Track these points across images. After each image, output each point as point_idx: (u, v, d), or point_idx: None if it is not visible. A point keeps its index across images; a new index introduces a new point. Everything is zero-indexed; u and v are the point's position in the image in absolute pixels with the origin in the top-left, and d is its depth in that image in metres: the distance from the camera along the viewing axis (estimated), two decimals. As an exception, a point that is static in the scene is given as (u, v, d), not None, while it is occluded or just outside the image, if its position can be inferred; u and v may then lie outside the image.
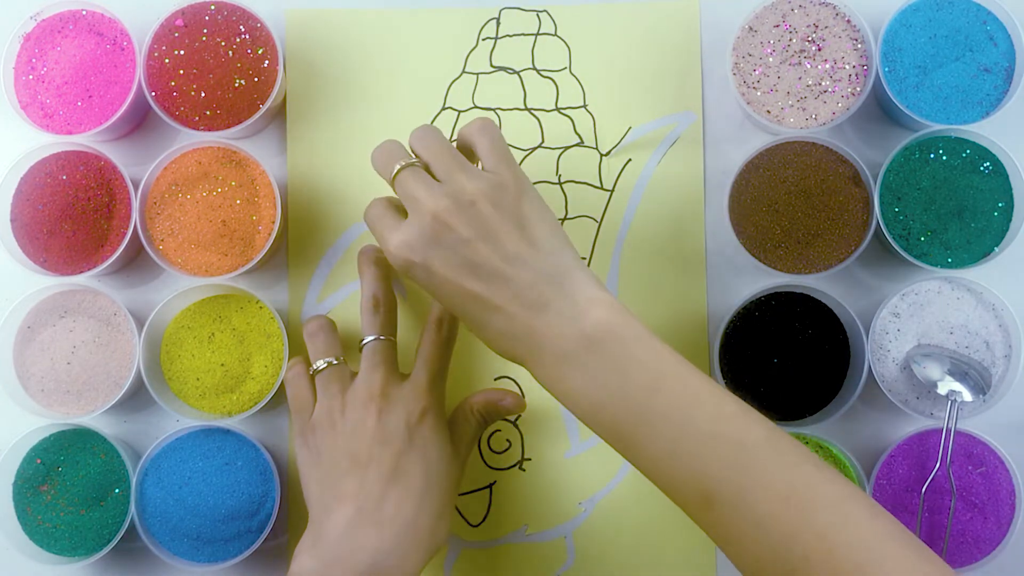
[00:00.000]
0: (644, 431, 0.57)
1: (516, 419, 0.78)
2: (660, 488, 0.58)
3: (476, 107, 0.79)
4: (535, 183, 0.78)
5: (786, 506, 0.53)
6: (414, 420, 0.68)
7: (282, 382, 0.73)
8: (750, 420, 0.57)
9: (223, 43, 0.76)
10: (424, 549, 0.65)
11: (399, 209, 0.65)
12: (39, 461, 0.76)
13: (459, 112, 0.79)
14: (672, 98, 0.79)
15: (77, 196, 0.75)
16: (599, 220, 0.78)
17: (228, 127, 0.75)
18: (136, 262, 0.80)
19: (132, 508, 0.75)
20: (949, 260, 0.74)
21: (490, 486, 0.78)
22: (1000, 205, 0.74)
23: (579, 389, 0.59)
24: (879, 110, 0.78)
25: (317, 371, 0.71)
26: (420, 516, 0.65)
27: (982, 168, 0.74)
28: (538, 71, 0.79)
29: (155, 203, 0.76)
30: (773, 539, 0.53)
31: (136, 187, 0.75)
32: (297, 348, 0.75)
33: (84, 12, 0.77)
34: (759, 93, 0.75)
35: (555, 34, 0.79)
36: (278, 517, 0.75)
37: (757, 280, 0.77)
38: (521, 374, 0.78)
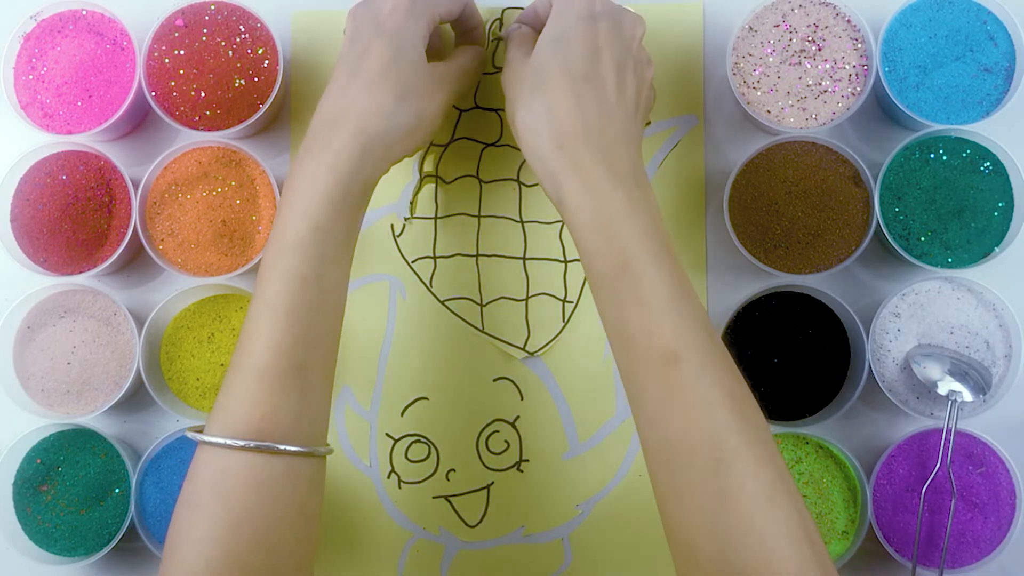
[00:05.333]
0: (637, 273, 0.58)
1: (515, 420, 0.78)
2: (620, 336, 0.59)
3: (478, 107, 0.79)
4: (536, 184, 0.78)
5: (731, 400, 0.56)
6: (382, 16, 0.66)
7: None
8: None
9: (223, 43, 0.76)
10: (377, 114, 0.63)
11: None
12: (39, 461, 0.76)
13: (461, 111, 0.79)
14: (674, 101, 0.79)
15: (77, 196, 0.76)
16: (599, 220, 0.78)
17: (228, 127, 0.75)
18: (136, 262, 0.80)
19: (132, 508, 0.75)
20: (949, 260, 0.73)
21: (488, 487, 0.78)
22: (1000, 205, 0.74)
23: (617, 203, 0.59)
24: (879, 110, 0.78)
25: None
26: (381, 84, 0.63)
27: (982, 168, 0.74)
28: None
29: (155, 203, 0.76)
30: (715, 422, 0.55)
31: (136, 187, 0.76)
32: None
33: (84, 12, 0.77)
34: (759, 93, 0.75)
35: (556, 34, 0.79)
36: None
37: (757, 280, 0.76)
38: (520, 376, 0.78)
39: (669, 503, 0.56)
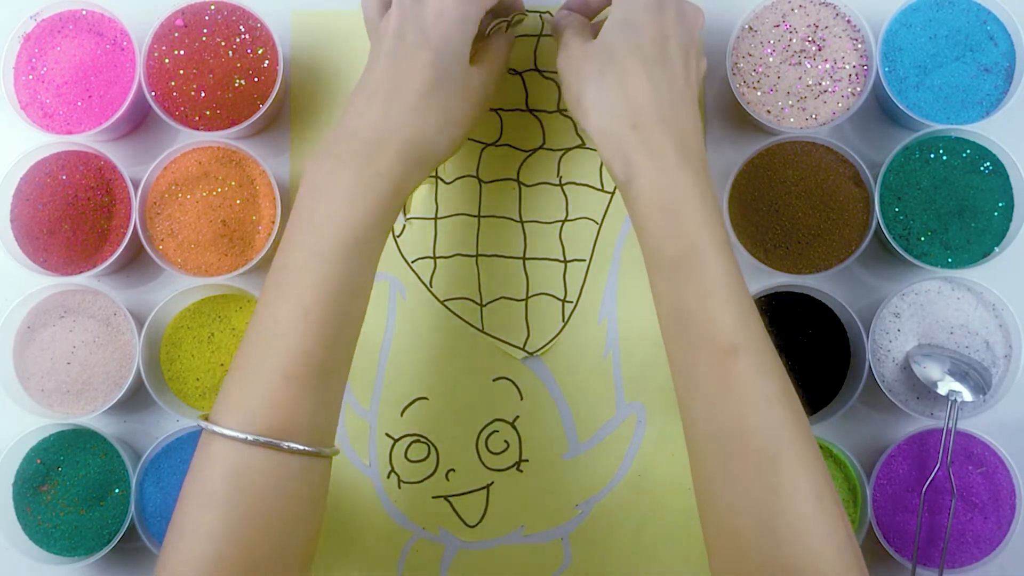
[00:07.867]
0: (702, 260, 0.58)
1: (515, 420, 0.78)
2: (678, 322, 0.59)
3: (476, 107, 0.79)
4: (536, 184, 0.78)
5: (786, 395, 0.57)
6: (428, 21, 0.64)
7: None
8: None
9: (223, 43, 0.76)
10: (419, 142, 0.63)
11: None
12: (39, 461, 0.76)
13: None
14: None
15: (77, 196, 0.76)
16: (599, 222, 0.78)
17: (228, 127, 0.75)
18: (136, 262, 0.80)
19: (132, 508, 0.75)
20: (949, 260, 0.73)
21: (487, 487, 0.78)
22: (1000, 205, 0.74)
23: (687, 187, 0.60)
24: (879, 110, 0.78)
25: None
26: (425, 110, 0.63)
27: (982, 168, 0.74)
28: (540, 72, 0.79)
29: (155, 203, 0.76)
30: (772, 417, 0.55)
31: (136, 187, 0.76)
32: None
33: (84, 12, 0.77)
34: (759, 93, 0.75)
35: (556, 35, 0.79)
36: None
37: (757, 280, 0.76)
38: (519, 376, 0.78)
39: (715, 492, 0.57)
